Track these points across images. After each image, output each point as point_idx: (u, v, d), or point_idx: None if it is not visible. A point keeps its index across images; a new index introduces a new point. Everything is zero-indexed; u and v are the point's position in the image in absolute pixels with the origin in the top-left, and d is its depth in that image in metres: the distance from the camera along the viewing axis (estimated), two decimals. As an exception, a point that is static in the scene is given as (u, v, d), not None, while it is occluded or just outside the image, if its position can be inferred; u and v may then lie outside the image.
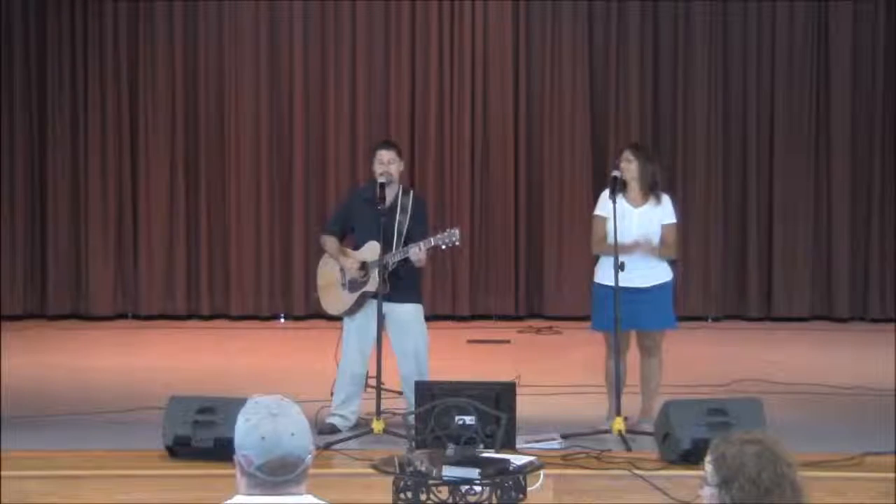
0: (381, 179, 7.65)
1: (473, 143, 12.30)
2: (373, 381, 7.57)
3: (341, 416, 7.64)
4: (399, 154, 7.83)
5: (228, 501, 3.06)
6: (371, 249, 7.62)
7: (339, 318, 7.91)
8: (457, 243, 7.58)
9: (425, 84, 12.29)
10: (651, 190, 7.65)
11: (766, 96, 12.21)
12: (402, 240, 7.65)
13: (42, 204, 12.31)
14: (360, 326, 7.67)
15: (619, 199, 7.50)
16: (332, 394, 7.82)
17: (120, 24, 12.21)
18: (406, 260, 7.58)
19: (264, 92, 12.25)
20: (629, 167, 7.63)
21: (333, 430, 7.53)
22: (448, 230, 7.55)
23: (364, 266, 7.68)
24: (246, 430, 3.03)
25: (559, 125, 12.28)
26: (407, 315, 7.72)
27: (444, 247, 7.59)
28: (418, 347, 7.71)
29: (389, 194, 7.63)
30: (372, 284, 7.59)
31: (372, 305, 7.60)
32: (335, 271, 7.83)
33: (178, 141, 12.28)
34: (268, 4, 12.23)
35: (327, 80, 12.28)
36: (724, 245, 12.26)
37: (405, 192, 7.83)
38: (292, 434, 3.02)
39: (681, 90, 12.23)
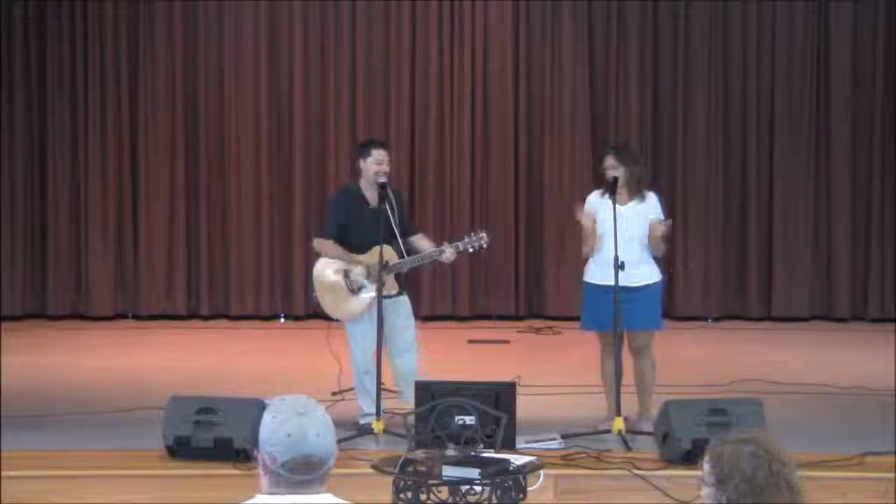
0: (381, 179, 7.63)
1: (473, 143, 12.29)
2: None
3: (373, 414, 7.46)
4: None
5: (250, 500, 3.05)
6: (377, 253, 7.49)
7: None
8: (484, 246, 7.64)
9: (425, 84, 12.28)
10: (637, 190, 7.69)
11: (766, 96, 12.20)
12: (399, 235, 7.65)
13: (42, 204, 12.30)
14: (367, 330, 7.58)
15: (607, 199, 7.55)
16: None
17: (120, 24, 12.20)
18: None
19: (264, 92, 12.24)
20: (617, 174, 7.65)
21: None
22: (475, 234, 7.61)
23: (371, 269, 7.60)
24: (272, 427, 3.03)
25: (559, 125, 12.27)
26: (406, 307, 7.78)
27: (471, 250, 7.65)
28: (413, 339, 7.77)
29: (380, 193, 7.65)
30: (392, 287, 7.57)
31: (374, 306, 7.60)
32: (339, 276, 7.70)
33: (178, 141, 12.27)
34: (268, 4, 12.23)
35: (327, 80, 12.27)
36: (724, 245, 12.26)
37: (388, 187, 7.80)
38: (317, 434, 3.04)
39: (681, 90, 12.23)
